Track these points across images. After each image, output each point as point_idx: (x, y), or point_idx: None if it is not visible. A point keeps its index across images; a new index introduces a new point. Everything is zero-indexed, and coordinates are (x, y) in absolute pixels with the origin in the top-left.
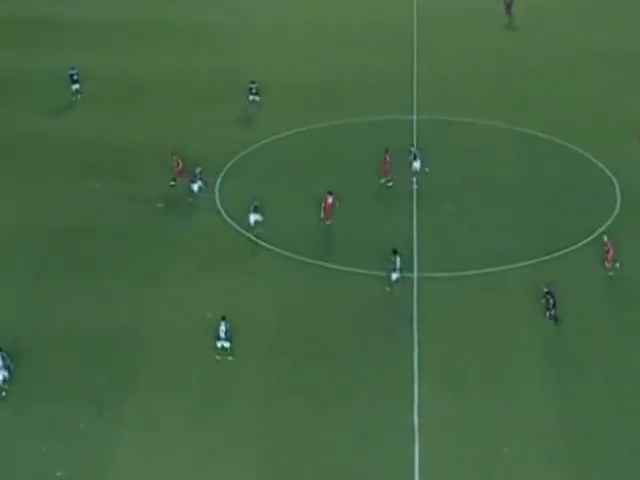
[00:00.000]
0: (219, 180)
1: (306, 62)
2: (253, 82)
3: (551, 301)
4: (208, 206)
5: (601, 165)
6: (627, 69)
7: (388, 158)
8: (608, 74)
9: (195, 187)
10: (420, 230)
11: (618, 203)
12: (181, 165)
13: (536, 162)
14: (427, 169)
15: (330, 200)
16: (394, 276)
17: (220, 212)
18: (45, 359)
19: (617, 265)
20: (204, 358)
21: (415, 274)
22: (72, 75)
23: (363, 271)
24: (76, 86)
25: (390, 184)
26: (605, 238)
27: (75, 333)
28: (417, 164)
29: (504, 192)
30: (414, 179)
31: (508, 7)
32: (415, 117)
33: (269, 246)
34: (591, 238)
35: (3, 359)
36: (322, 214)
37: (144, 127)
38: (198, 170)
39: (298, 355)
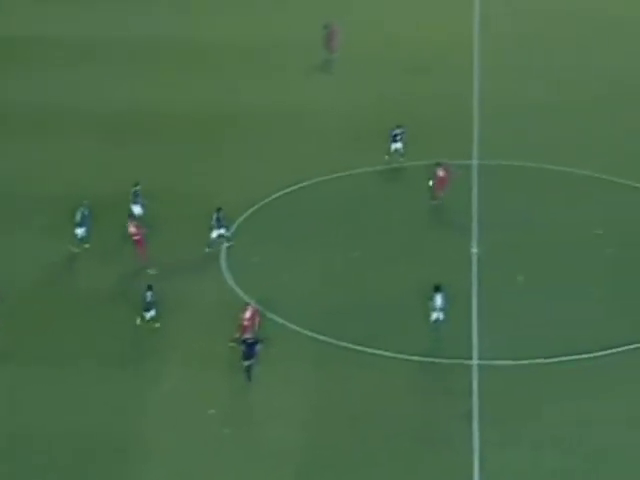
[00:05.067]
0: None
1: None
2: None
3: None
4: (212, 272)
5: None
6: None
7: None
8: None
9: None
10: (482, 305)
11: None
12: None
13: (635, 221)
14: None
15: (249, 313)
16: (434, 315)
17: (226, 281)
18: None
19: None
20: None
21: (475, 362)
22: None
23: (412, 357)
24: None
25: None
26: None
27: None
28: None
29: (593, 257)
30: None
31: (329, 40)
32: (475, 162)
33: (293, 326)
34: None
35: None
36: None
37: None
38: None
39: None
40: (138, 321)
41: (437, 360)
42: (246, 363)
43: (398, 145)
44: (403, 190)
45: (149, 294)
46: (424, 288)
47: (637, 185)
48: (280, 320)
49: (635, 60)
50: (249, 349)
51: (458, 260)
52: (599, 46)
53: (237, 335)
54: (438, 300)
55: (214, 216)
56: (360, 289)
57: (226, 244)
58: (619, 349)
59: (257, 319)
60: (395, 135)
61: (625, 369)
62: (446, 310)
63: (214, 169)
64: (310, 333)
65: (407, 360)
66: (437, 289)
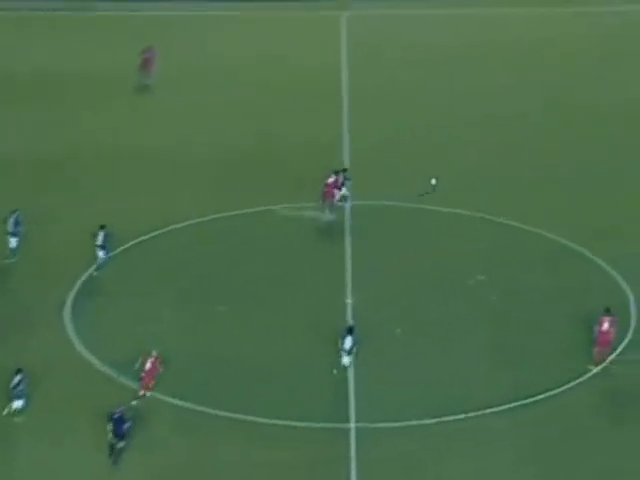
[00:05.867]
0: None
1: (205, 126)
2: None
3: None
4: (57, 330)
5: (607, 267)
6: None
7: None
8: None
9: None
10: (358, 362)
11: (633, 320)
12: None
13: (520, 264)
14: None
15: (149, 364)
16: (346, 360)
17: (74, 344)
18: None
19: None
20: None
21: (352, 425)
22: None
23: (286, 422)
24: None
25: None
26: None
27: None
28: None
29: (476, 306)
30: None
31: (146, 65)
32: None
33: (159, 396)
34: (599, 369)
35: None
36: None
37: None
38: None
39: None
40: (5, 411)
41: (313, 424)
42: (112, 442)
43: (343, 191)
44: (272, 235)
45: (17, 378)
46: (295, 346)
47: (519, 225)
48: (137, 385)
49: (508, 88)
50: (117, 426)
51: (331, 312)
52: (474, 76)
53: (142, 391)
54: (347, 342)
55: (100, 235)
56: (227, 348)
57: (95, 272)
58: (501, 407)
59: (158, 369)
60: (346, 178)
61: (508, 428)
62: (353, 354)
63: (64, 213)
64: (172, 399)
65: (280, 425)
66: (349, 331)
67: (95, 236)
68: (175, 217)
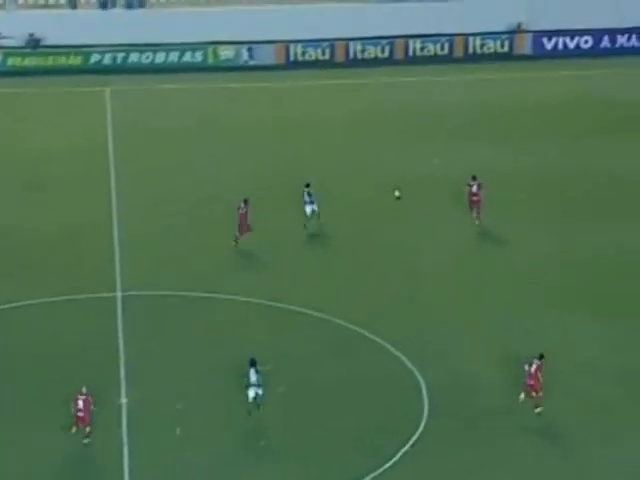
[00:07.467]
0: None
1: None
2: None
3: None
4: None
5: (399, 354)
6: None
7: None
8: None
9: None
10: (135, 470)
11: (425, 410)
12: None
13: (307, 351)
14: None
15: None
16: (251, 393)
17: None
18: None
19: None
20: None
21: None
22: None
23: None
24: None
25: None
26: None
27: None
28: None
29: (264, 398)
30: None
31: None
32: (119, 294)
33: None
34: (389, 464)
35: None
36: None
37: None
38: None
39: None
40: None
41: None
42: None
43: (314, 206)
44: (38, 331)
45: None
46: (63, 450)
47: (304, 311)
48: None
49: (292, 161)
50: None
51: (104, 415)
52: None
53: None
54: (252, 376)
55: None
56: None
57: None
58: None
59: (91, 407)
60: (310, 195)
61: None
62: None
63: None
64: None
65: None
66: (252, 363)
67: None
68: None
